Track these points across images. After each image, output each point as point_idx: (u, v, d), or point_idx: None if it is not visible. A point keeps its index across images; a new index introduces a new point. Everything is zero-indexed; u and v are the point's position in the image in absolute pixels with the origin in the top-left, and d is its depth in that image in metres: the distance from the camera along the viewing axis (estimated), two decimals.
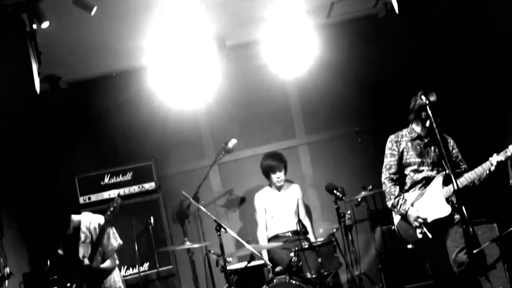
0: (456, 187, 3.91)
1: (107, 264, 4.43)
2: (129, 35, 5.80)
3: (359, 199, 5.57)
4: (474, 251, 4.70)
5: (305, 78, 6.74)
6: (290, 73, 6.79)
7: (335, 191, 5.32)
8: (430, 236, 4.46)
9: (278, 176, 6.02)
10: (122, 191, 6.13)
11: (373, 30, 6.57)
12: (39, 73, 3.81)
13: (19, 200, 6.15)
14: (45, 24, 4.39)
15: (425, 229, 4.48)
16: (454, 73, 6.31)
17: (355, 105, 6.63)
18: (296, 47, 6.48)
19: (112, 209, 4.37)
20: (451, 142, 4.76)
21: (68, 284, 4.26)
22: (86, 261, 4.25)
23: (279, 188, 6.13)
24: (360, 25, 6.62)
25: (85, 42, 5.67)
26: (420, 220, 4.49)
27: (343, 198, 5.30)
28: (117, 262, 4.54)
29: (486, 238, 5.20)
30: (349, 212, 5.41)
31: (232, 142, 5.94)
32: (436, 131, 4.06)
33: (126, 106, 6.57)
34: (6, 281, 5.07)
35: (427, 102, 4.23)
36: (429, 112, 4.20)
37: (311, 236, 6.00)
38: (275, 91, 6.81)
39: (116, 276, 4.49)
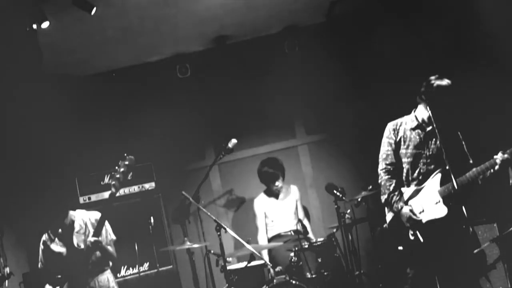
0: (456, 187, 3.82)
1: (109, 248, 4.39)
2: (129, 35, 5.82)
3: (359, 199, 5.55)
4: (474, 251, 4.68)
5: (305, 78, 6.74)
6: (290, 72, 6.80)
7: (335, 191, 5.32)
8: (421, 240, 4.13)
9: (276, 185, 5.99)
10: (122, 191, 6.14)
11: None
12: (39, 72, 3.82)
13: (19, 200, 6.14)
14: (45, 24, 4.40)
15: (417, 232, 4.15)
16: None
17: (355, 105, 6.63)
18: (296, 46, 6.51)
19: (122, 170, 4.19)
20: (459, 134, 4.35)
21: (59, 276, 4.24)
22: (92, 239, 4.15)
23: (277, 193, 6.11)
24: (360, 24, 6.62)
25: (85, 40, 5.68)
26: (412, 221, 4.19)
27: (343, 198, 5.30)
28: (115, 255, 4.49)
29: (486, 238, 5.18)
30: (349, 211, 5.41)
31: (232, 142, 5.92)
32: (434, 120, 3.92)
33: (126, 105, 6.58)
34: (6, 281, 5.07)
35: (444, 84, 4.07)
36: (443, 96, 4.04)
37: (310, 235, 5.99)
38: (275, 91, 6.82)
39: (110, 277, 4.47)
